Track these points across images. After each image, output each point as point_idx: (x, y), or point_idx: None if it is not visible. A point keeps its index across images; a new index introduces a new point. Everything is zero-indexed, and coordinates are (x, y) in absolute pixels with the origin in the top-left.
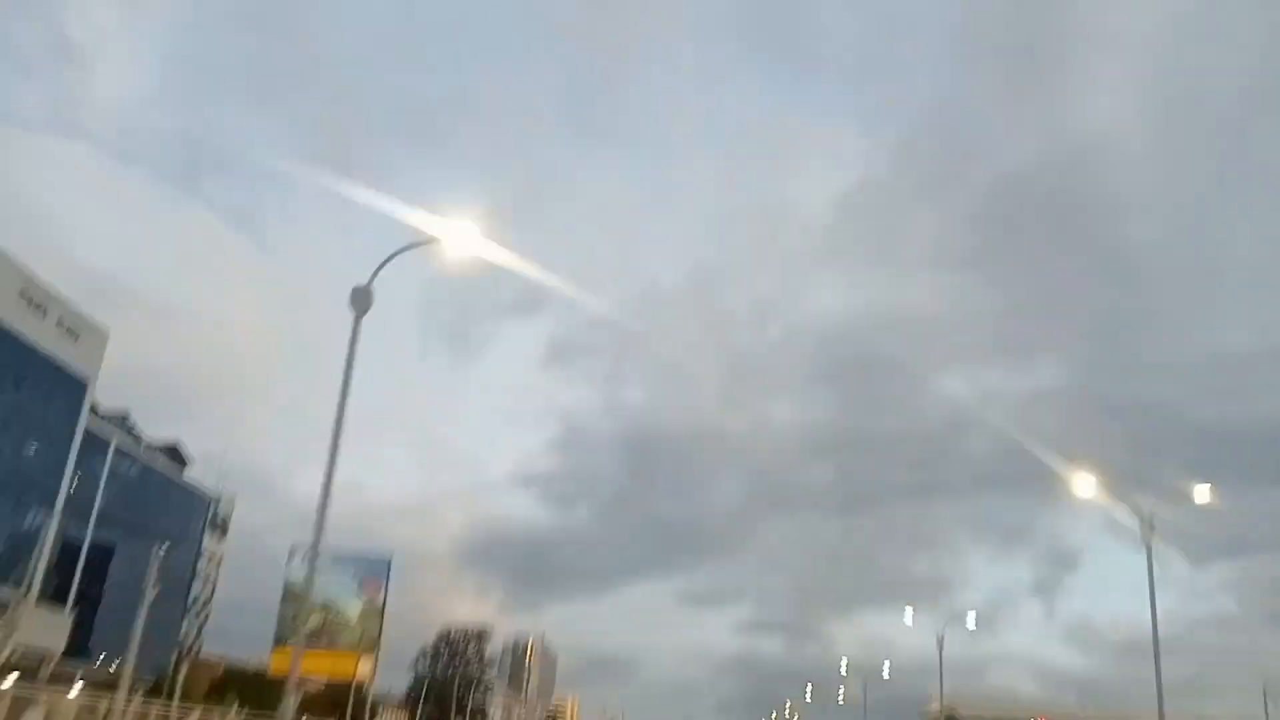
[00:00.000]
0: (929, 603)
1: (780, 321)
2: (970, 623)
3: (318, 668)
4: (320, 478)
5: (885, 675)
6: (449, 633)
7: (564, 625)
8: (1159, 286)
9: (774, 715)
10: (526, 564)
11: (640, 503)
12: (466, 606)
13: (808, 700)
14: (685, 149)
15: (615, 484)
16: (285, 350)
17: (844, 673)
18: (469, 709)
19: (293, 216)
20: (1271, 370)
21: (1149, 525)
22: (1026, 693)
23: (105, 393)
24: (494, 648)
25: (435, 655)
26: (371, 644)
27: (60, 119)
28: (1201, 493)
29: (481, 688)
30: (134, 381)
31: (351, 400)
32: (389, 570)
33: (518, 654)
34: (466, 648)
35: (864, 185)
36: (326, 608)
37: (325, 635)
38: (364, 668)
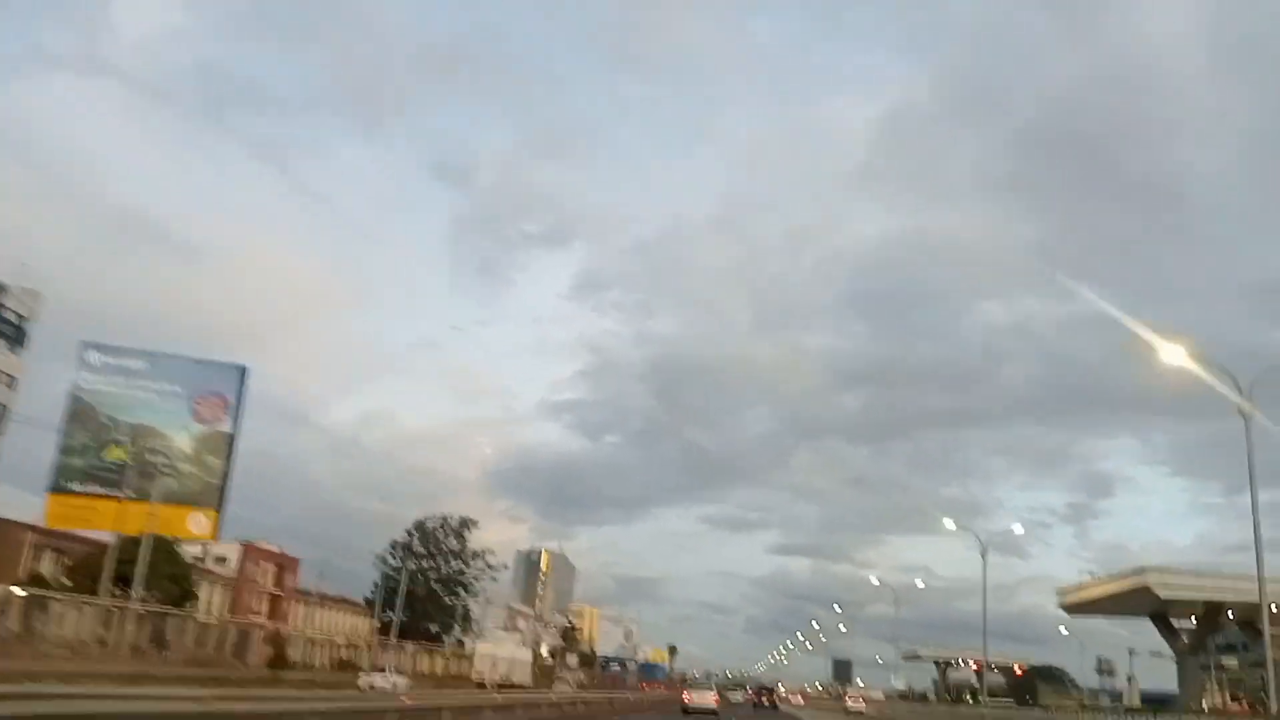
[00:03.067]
0: (960, 528)
1: (814, 249)
2: (1018, 529)
3: (129, 523)
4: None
5: (920, 585)
6: (423, 523)
7: (595, 550)
8: (1205, 213)
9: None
10: (557, 491)
11: (670, 431)
12: (502, 530)
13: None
14: (719, 75)
15: (645, 413)
16: (314, 286)
17: (876, 583)
18: (452, 614)
19: (321, 152)
20: None
21: (1248, 395)
22: (1052, 612)
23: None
24: (504, 557)
25: (407, 550)
26: (211, 493)
27: (87, 56)
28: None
29: (464, 588)
30: (165, 318)
31: (386, 333)
32: (242, 384)
33: (531, 564)
34: (447, 540)
35: (902, 110)
36: (140, 436)
37: (137, 477)
38: (202, 525)
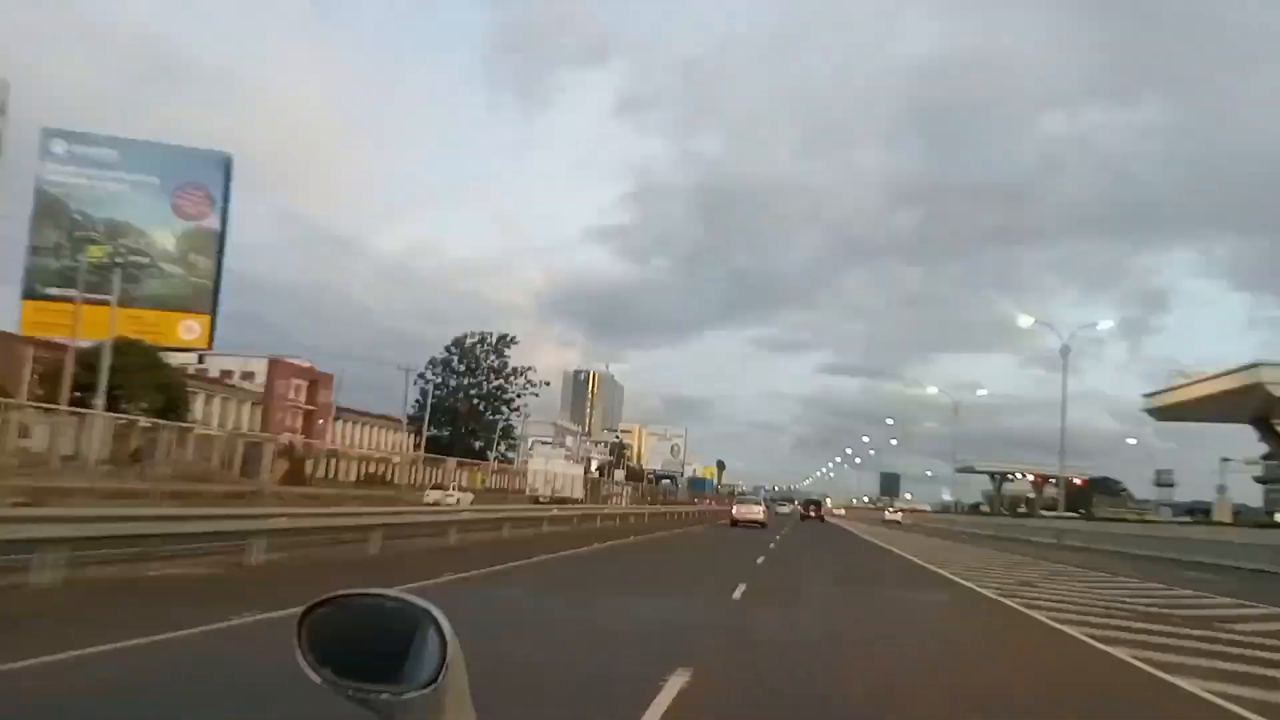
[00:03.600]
0: (1011, 344)
1: (864, 66)
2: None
3: (114, 330)
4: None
5: (983, 393)
6: (464, 339)
7: (644, 372)
8: (1272, 21)
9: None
10: (605, 315)
11: (717, 253)
12: (552, 354)
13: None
14: None
15: (692, 236)
16: (350, 117)
17: (934, 392)
18: (492, 432)
19: None
20: None
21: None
22: (1103, 427)
23: None
24: (554, 379)
25: (446, 367)
26: (203, 297)
27: None
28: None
29: (506, 405)
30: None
31: (426, 160)
32: (228, 177)
33: (580, 384)
34: (487, 357)
35: None
36: (116, 233)
37: (120, 279)
38: (195, 332)
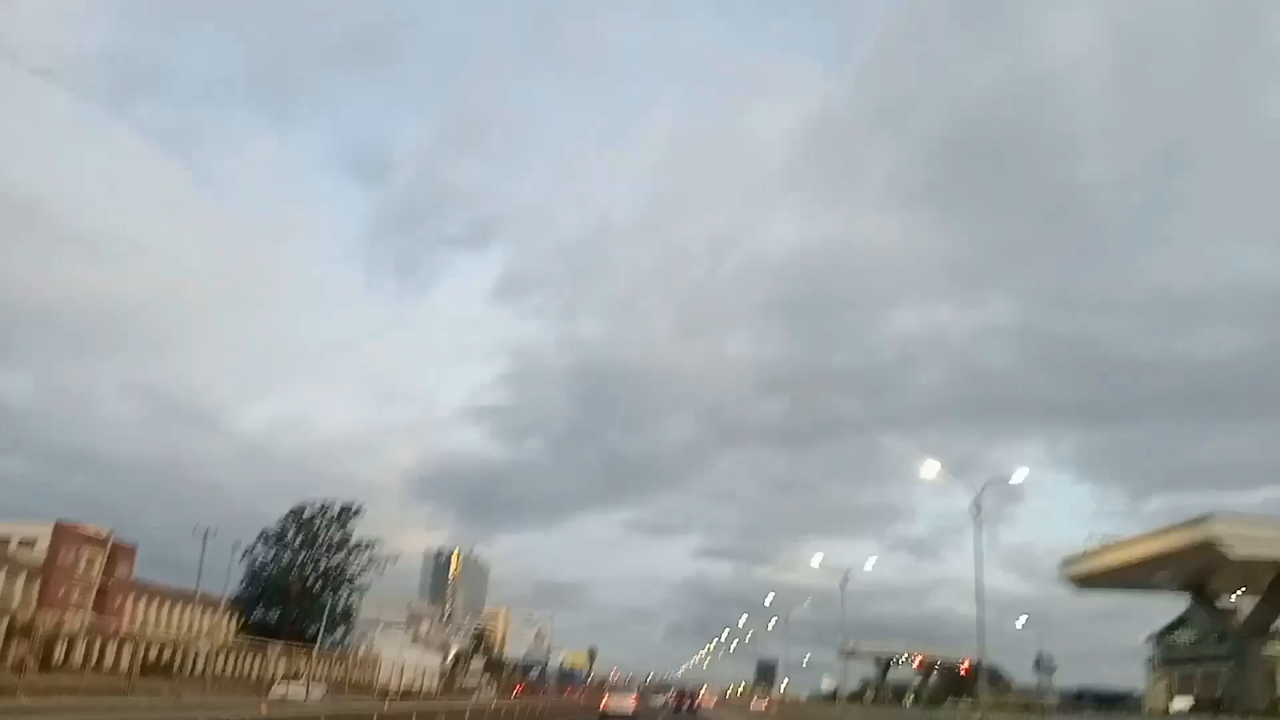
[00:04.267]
0: (877, 530)
1: (735, 255)
2: (1018, 478)
3: None
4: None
5: (868, 567)
6: (300, 510)
7: (515, 556)
8: (1110, 225)
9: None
10: (478, 497)
11: (592, 436)
12: (418, 537)
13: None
14: (641, 79)
15: (567, 418)
16: (222, 283)
17: (815, 567)
18: (326, 612)
19: (230, 144)
20: (1216, 308)
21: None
22: (967, 613)
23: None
24: (409, 557)
25: (280, 540)
26: None
27: None
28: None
29: (343, 585)
30: (60, 310)
31: (299, 333)
32: None
33: (440, 565)
34: (327, 528)
35: (821, 118)
36: None
37: None
38: None
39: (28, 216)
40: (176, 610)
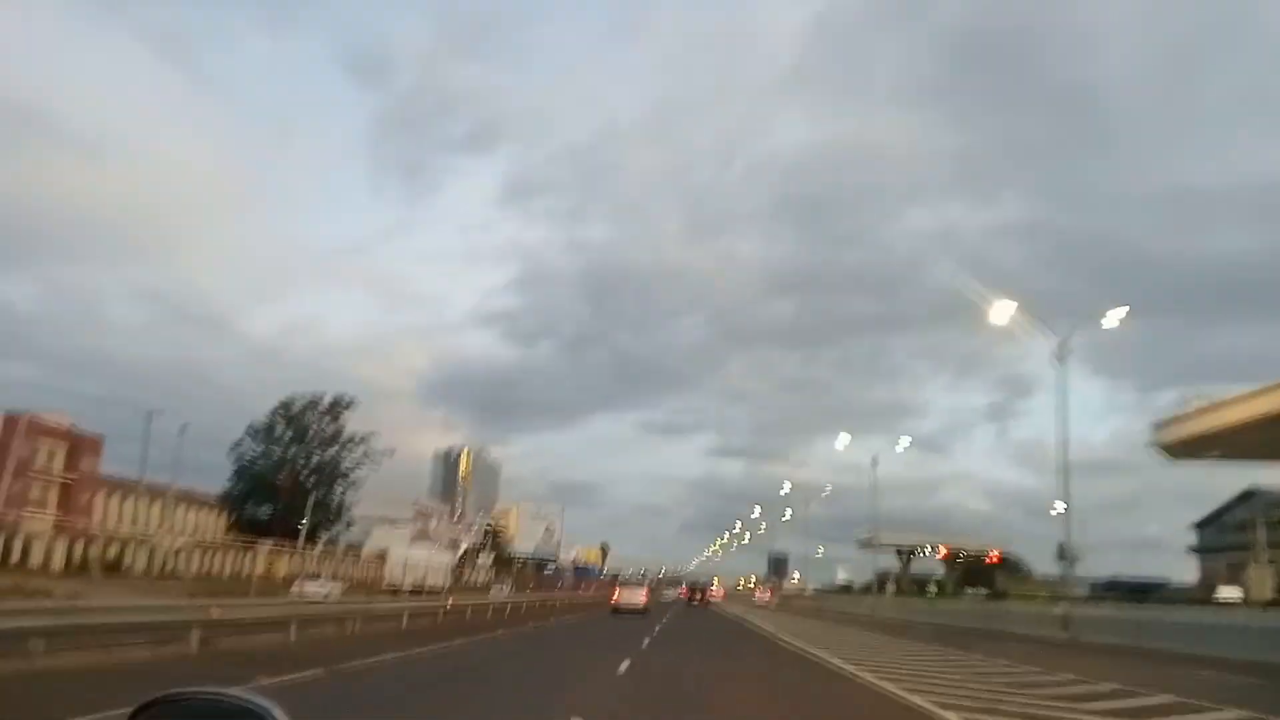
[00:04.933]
0: (887, 428)
1: (744, 156)
2: (1112, 321)
3: None
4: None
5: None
6: (289, 403)
7: (529, 457)
8: (1124, 122)
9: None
10: (491, 399)
11: (604, 338)
12: (434, 440)
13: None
14: None
15: (578, 320)
16: (226, 187)
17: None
18: (308, 508)
19: (227, 44)
20: (1232, 206)
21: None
22: (976, 509)
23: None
24: (421, 459)
25: (269, 434)
26: None
27: None
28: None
29: (337, 480)
30: (64, 216)
31: (306, 237)
32: None
33: (450, 463)
34: (318, 421)
35: (830, 14)
36: None
37: None
38: None
39: (27, 121)
40: (156, 507)
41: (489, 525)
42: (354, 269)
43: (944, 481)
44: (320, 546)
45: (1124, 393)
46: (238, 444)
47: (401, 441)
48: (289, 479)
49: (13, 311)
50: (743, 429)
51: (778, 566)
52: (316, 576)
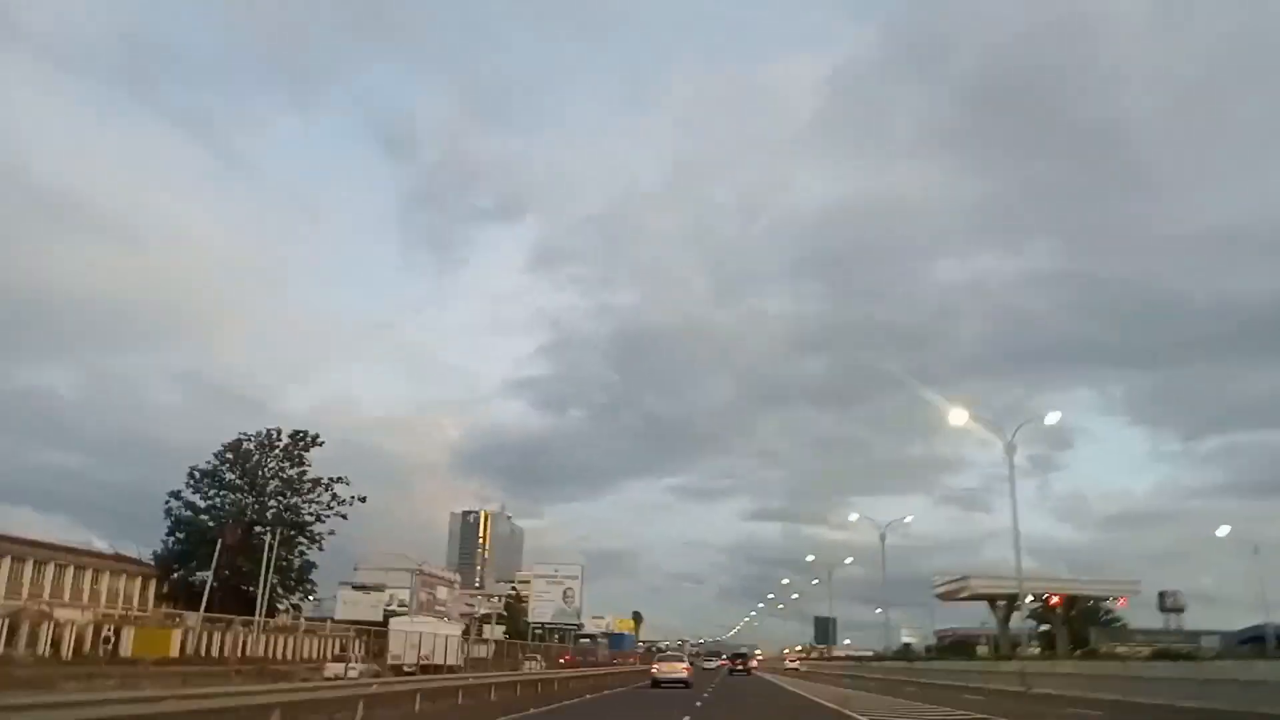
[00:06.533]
0: (925, 485)
1: (767, 213)
2: (1051, 419)
3: None
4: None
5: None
6: (240, 443)
7: (563, 526)
8: (1151, 162)
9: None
10: (523, 469)
11: (634, 403)
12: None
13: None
14: (662, 34)
15: (608, 385)
16: (257, 266)
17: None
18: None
19: (254, 124)
20: (1264, 243)
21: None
22: (1024, 566)
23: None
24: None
25: (214, 481)
26: None
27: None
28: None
29: (294, 536)
30: (99, 307)
31: (338, 313)
32: None
33: (468, 526)
34: (275, 463)
35: (848, 67)
36: None
37: None
38: None
39: (60, 208)
40: (70, 571)
41: (512, 592)
42: (385, 343)
43: (986, 539)
44: (286, 615)
45: (1167, 442)
46: (176, 494)
47: (434, 515)
48: (235, 533)
49: (56, 398)
50: (778, 491)
51: (823, 630)
52: (347, 659)
